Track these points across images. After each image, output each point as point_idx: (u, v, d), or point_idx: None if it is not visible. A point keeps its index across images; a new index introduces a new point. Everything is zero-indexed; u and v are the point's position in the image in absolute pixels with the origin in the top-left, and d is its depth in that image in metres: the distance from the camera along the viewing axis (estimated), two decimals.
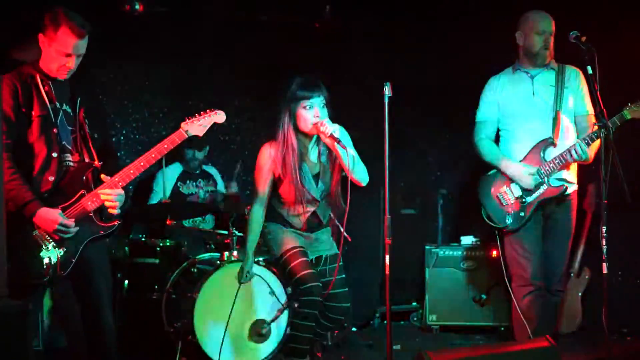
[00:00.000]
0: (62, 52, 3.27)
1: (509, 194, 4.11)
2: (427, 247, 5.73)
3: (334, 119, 3.74)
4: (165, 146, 3.40)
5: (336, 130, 3.52)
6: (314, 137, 3.74)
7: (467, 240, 5.76)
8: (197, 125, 3.47)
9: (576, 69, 4.13)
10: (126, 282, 4.85)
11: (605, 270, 3.52)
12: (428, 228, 6.22)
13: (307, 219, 3.82)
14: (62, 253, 3.26)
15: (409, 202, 6.27)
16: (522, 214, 4.07)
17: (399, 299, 5.81)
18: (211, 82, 5.89)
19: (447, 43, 6.14)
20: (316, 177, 3.77)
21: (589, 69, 3.74)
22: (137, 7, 5.27)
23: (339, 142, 3.51)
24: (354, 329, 5.48)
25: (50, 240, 3.25)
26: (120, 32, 5.47)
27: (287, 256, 3.74)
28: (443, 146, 6.46)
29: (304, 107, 3.64)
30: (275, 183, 3.78)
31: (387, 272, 3.29)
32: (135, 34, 5.55)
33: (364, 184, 3.66)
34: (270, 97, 5.98)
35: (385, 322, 3.45)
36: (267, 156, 3.73)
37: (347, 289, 3.85)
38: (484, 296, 5.46)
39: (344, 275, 3.87)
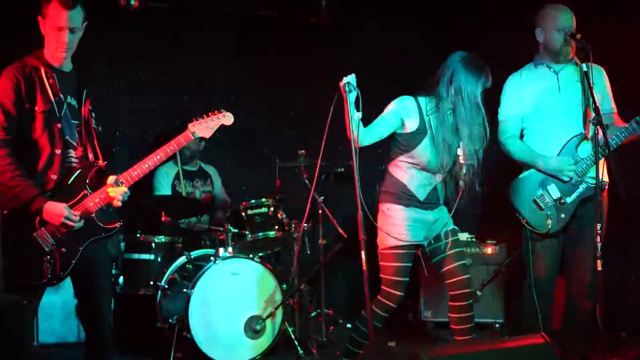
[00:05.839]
0: (54, 26, 3.20)
1: (547, 197, 3.87)
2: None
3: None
4: (171, 147, 3.38)
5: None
6: None
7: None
8: (205, 127, 3.46)
9: (599, 66, 3.94)
10: (121, 277, 4.84)
11: (600, 268, 3.51)
12: None
13: (429, 192, 3.72)
14: (61, 254, 3.22)
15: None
16: (562, 215, 3.86)
17: None
18: (208, 78, 5.88)
19: (444, 41, 6.14)
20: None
21: (584, 66, 3.72)
22: (132, 2, 5.26)
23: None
24: (348, 325, 5.48)
25: (51, 241, 3.21)
26: (115, 27, 5.46)
27: (389, 253, 3.63)
28: None
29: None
30: (409, 139, 3.62)
31: (365, 267, 3.21)
32: (131, 29, 5.55)
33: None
34: (267, 92, 6.04)
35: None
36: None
37: (464, 261, 3.73)
38: (478, 292, 5.46)
39: (462, 249, 3.76)
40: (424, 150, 3.62)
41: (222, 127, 5.87)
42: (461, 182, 3.64)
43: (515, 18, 4.67)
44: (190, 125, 3.45)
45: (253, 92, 6.02)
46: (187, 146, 5.35)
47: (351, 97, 3.39)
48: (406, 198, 3.64)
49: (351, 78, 3.41)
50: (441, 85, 3.62)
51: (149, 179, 5.47)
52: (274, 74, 5.98)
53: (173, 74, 5.78)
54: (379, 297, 3.68)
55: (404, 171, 3.65)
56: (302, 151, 5.18)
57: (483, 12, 5.82)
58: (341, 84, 3.40)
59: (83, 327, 3.42)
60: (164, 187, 5.38)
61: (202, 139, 5.31)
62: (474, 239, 5.74)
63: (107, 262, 3.43)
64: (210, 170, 5.69)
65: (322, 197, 5.15)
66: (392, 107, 3.68)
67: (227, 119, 3.53)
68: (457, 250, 3.72)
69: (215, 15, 5.84)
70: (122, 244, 4.91)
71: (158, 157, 3.36)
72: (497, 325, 5.50)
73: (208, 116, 3.48)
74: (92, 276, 3.34)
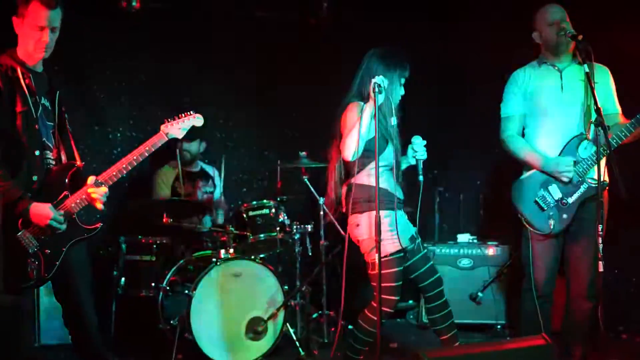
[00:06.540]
0: (35, 26, 3.18)
1: (548, 198, 3.87)
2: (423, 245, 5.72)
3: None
4: (147, 149, 3.42)
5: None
6: None
7: (464, 238, 5.76)
8: (177, 128, 3.52)
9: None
10: (123, 279, 4.84)
11: (601, 269, 3.50)
12: (425, 226, 6.21)
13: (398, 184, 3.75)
14: (45, 255, 3.21)
15: (405, 200, 6.26)
16: (565, 216, 3.85)
17: None
18: (208, 79, 5.89)
19: (443, 41, 6.14)
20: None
21: (586, 67, 3.71)
22: (134, 3, 5.26)
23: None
24: (350, 326, 5.47)
25: (34, 242, 3.20)
26: (117, 29, 5.47)
27: (390, 260, 3.61)
28: (439, 144, 6.44)
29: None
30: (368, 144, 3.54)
31: (378, 269, 3.21)
32: (132, 31, 5.55)
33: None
34: (267, 92, 6.04)
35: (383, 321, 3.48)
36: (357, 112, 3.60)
37: (432, 261, 3.81)
38: (480, 294, 5.46)
39: (425, 251, 3.79)
40: (389, 150, 3.65)
41: (223, 128, 5.97)
42: (420, 178, 3.65)
43: (515, 18, 4.66)
44: (162, 127, 3.51)
45: (253, 93, 6.02)
46: (183, 149, 5.38)
47: (379, 99, 3.45)
48: (392, 202, 3.64)
49: (380, 80, 3.44)
50: (366, 85, 3.57)
51: (147, 181, 5.48)
52: (274, 74, 5.98)
53: (174, 75, 5.78)
54: (374, 304, 3.65)
55: (379, 176, 3.51)
56: (304, 152, 5.18)
57: (483, 12, 5.82)
58: (371, 84, 3.44)
59: (68, 330, 3.39)
60: (163, 190, 5.38)
61: (194, 138, 5.37)
62: (475, 240, 5.73)
63: (87, 264, 3.42)
64: (211, 170, 5.68)
65: (323, 199, 5.15)
66: (356, 113, 3.60)
67: (197, 120, 3.59)
68: (426, 251, 3.79)
69: (215, 16, 5.84)
70: (124, 246, 4.91)
71: (135, 157, 3.39)
72: (498, 326, 5.49)
73: (179, 117, 3.55)
74: (72, 278, 3.32)
